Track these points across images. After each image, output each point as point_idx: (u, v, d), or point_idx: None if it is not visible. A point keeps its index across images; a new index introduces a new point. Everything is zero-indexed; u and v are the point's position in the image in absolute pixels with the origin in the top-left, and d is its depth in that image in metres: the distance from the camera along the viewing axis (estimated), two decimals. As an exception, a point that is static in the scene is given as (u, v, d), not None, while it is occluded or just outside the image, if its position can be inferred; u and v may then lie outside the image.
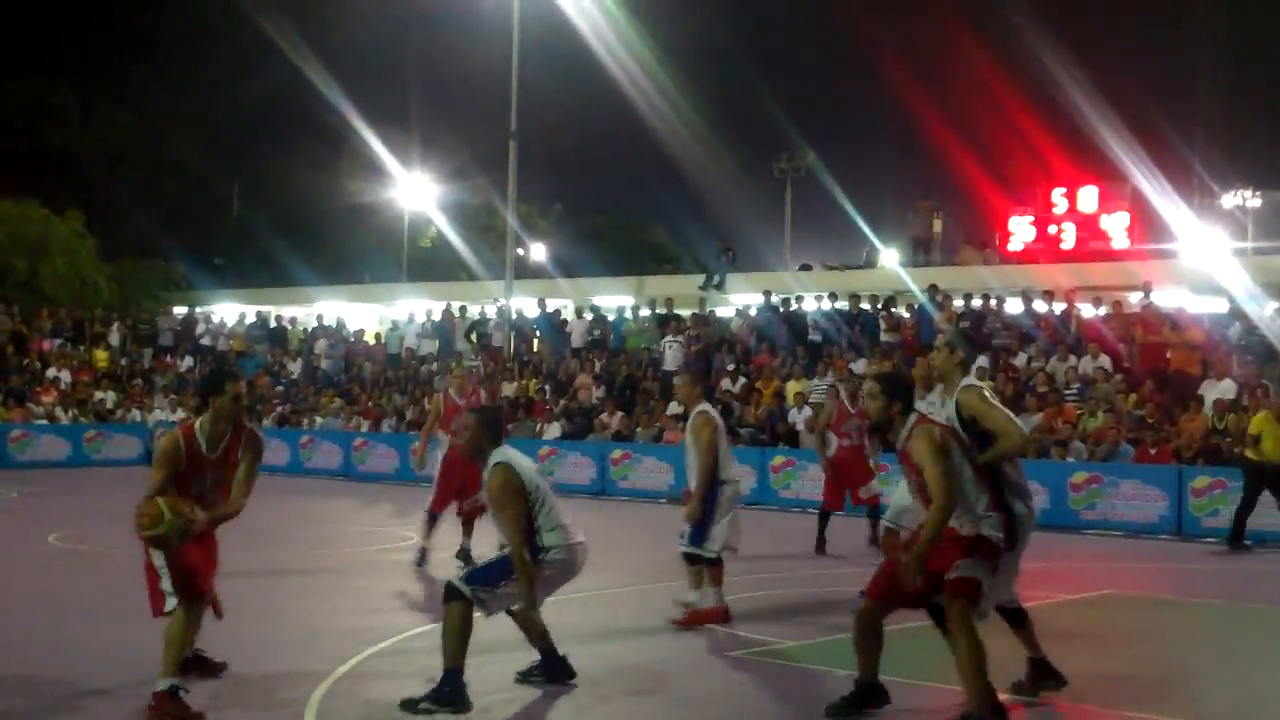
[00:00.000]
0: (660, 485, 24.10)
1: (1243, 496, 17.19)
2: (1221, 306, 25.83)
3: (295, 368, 36.16)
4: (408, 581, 13.51)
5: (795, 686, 8.71)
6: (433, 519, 14.65)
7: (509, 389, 29.71)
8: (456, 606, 8.02)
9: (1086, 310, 25.75)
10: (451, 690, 7.87)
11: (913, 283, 30.88)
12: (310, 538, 17.78)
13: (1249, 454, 17.09)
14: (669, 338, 29.24)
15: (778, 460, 23.18)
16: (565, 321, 33.98)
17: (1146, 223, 35.56)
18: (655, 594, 12.39)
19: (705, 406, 11.24)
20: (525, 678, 8.59)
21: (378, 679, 8.71)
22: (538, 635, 8.55)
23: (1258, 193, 55.56)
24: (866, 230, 42.56)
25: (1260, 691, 8.84)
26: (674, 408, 25.73)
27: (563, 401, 28.47)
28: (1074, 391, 22.37)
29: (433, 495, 14.74)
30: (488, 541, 15.03)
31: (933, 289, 27.91)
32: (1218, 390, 21.23)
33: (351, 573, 14.18)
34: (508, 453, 8.36)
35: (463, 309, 36.29)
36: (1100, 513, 19.54)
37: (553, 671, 8.56)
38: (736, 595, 11.33)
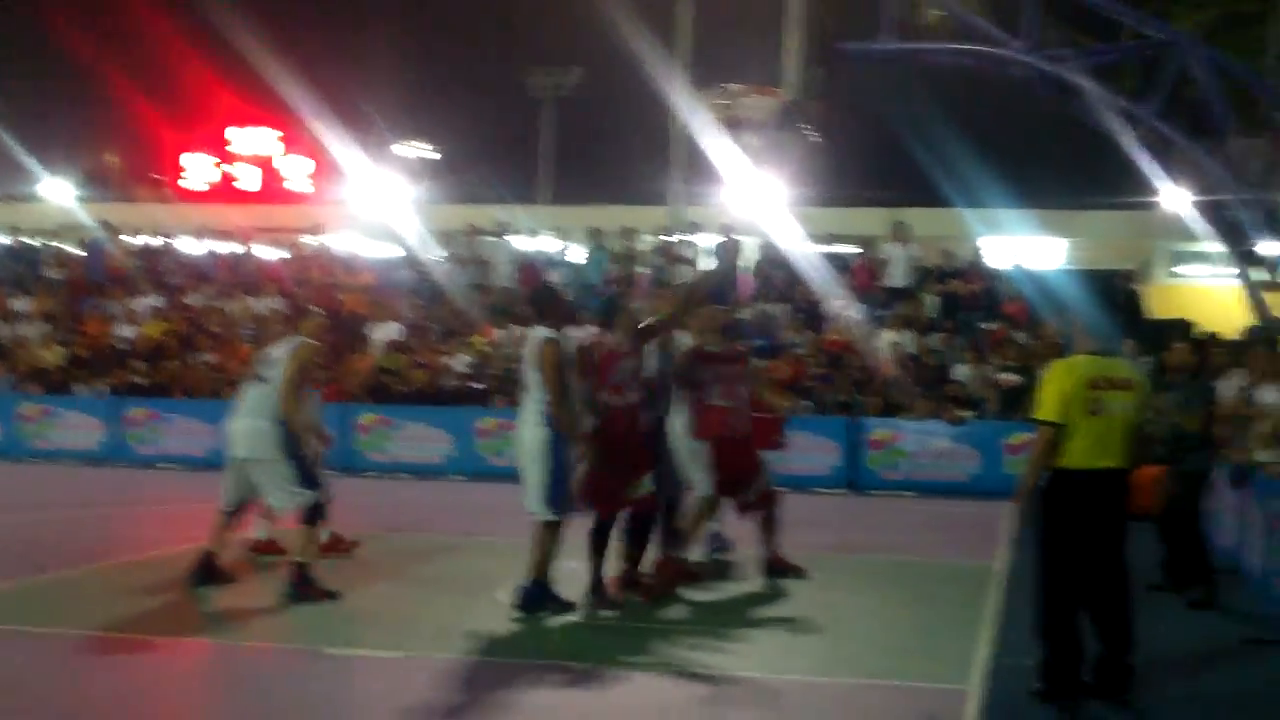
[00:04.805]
0: None
1: None
2: (393, 251, 26.76)
3: None
4: None
5: None
6: None
7: None
8: None
9: (267, 251, 25.75)
10: None
11: (86, 218, 29.63)
12: None
13: None
14: None
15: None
16: None
17: (327, 169, 36.25)
18: None
19: None
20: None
21: None
22: None
23: (432, 145, 58.40)
24: (32, 162, 39.83)
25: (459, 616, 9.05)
26: None
27: None
28: (249, 331, 22.26)
29: None
30: None
31: (106, 225, 26.81)
32: (385, 331, 21.99)
33: None
34: None
35: None
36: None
37: None
38: None
